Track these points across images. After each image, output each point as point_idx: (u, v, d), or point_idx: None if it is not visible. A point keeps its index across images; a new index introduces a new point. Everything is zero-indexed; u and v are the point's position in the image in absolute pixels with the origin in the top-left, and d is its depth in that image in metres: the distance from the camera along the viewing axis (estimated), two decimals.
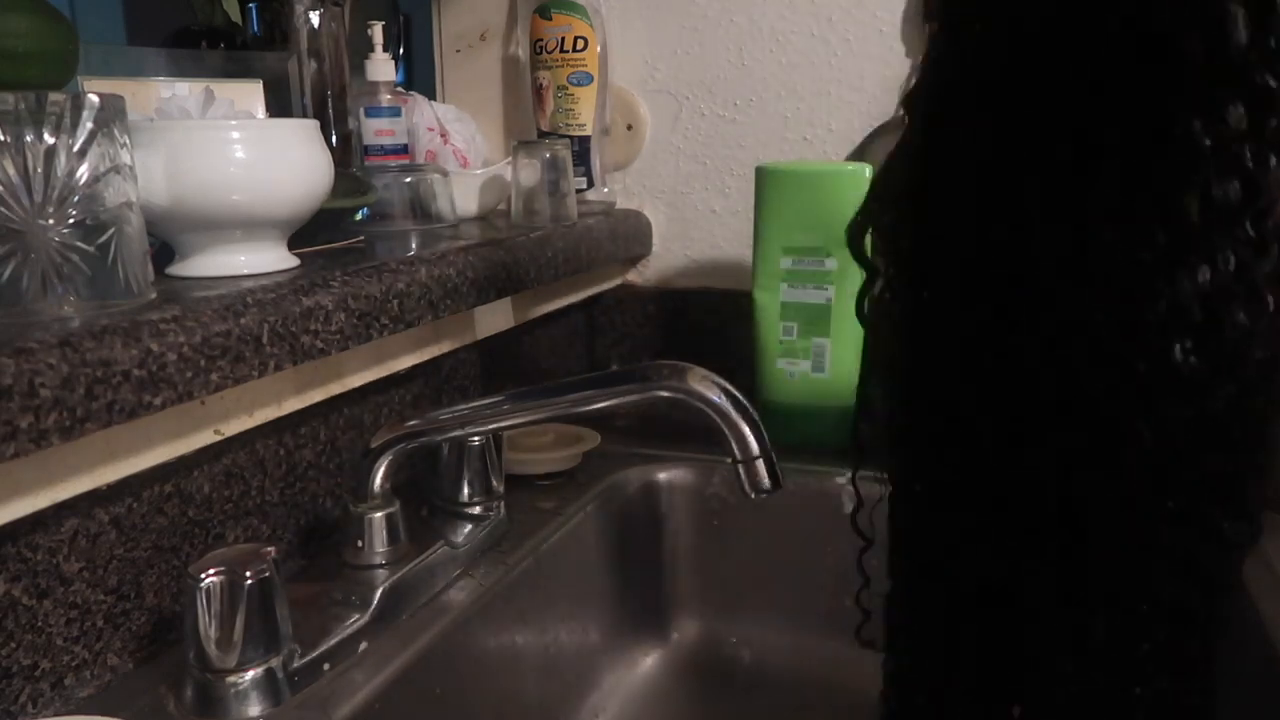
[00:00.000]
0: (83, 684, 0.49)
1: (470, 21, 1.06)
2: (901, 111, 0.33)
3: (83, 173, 0.44)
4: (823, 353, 0.81)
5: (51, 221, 0.43)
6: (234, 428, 0.56)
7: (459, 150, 0.95)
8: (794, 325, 0.82)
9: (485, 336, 0.80)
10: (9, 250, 0.43)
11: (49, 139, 0.43)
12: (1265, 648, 0.56)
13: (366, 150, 0.84)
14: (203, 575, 0.46)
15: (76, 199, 0.44)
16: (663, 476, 0.82)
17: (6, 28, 0.56)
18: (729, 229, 0.99)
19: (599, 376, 0.59)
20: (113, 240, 0.46)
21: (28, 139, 0.43)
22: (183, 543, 0.55)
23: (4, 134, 0.42)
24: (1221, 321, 0.28)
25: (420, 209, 0.82)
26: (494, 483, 0.68)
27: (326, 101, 0.74)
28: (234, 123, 0.55)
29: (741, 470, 0.52)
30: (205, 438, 0.54)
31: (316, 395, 0.62)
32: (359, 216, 0.80)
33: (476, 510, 0.67)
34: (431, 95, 1.03)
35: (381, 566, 0.59)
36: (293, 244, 0.62)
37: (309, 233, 0.64)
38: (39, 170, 0.43)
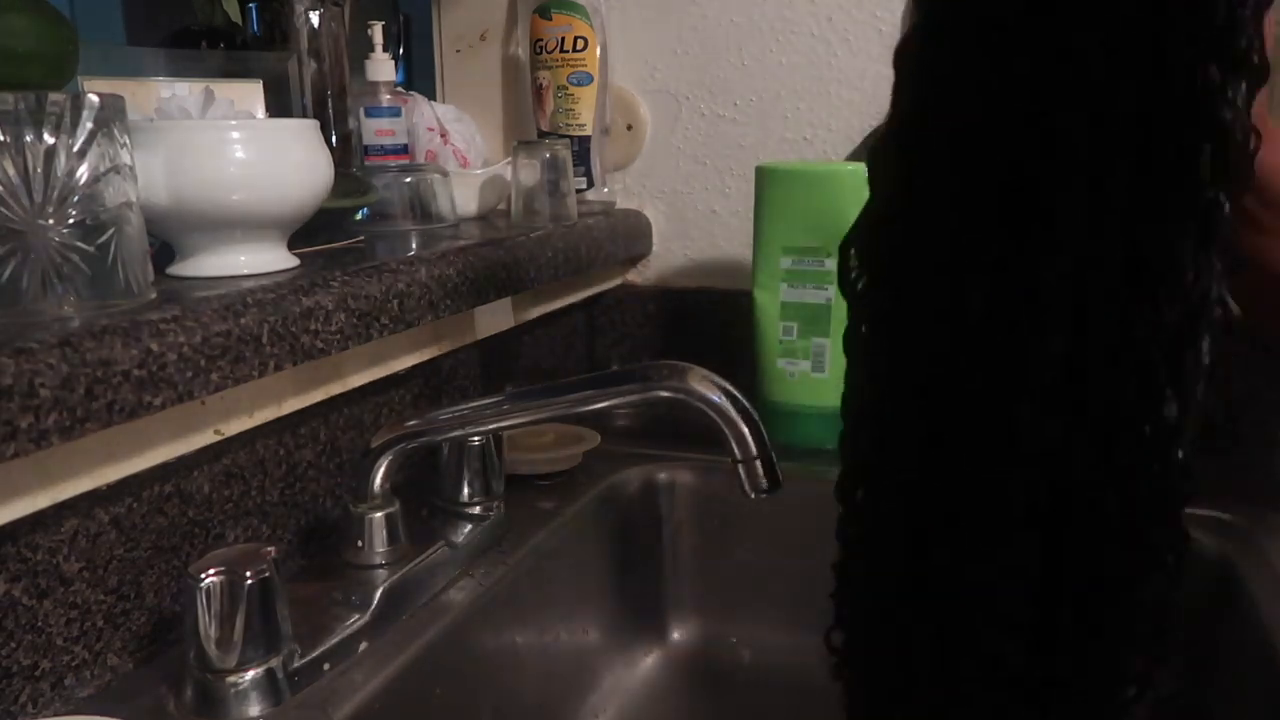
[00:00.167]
0: (83, 684, 0.49)
1: (470, 21, 1.06)
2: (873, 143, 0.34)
3: (83, 173, 0.44)
4: (823, 353, 0.81)
5: (51, 221, 0.43)
6: (234, 428, 0.56)
7: (459, 150, 0.95)
8: (794, 325, 0.82)
9: (485, 336, 0.80)
10: (9, 250, 0.43)
11: (49, 139, 0.43)
12: (1265, 648, 0.56)
13: (366, 150, 0.84)
14: (203, 575, 0.46)
15: (76, 199, 0.44)
16: (663, 476, 0.82)
17: (6, 28, 0.56)
18: (729, 229, 0.99)
19: (599, 376, 0.59)
20: (113, 240, 0.46)
21: (28, 139, 0.43)
22: (183, 543, 0.55)
23: (4, 134, 0.42)
24: (1184, 354, 0.29)
25: (420, 209, 0.82)
26: (494, 483, 0.68)
27: (326, 101, 0.74)
28: (234, 123, 0.55)
29: (741, 470, 0.52)
30: (205, 438, 0.54)
31: (316, 395, 0.62)
32: (359, 216, 0.80)
33: (476, 510, 0.67)
34: (431, 95, 1.03)
35: (381, 566, 0.59)
36: (293, 244, 0.62)
37: (309, 233, 0.64)
38: (39, 170, 0.43)
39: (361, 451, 0.60)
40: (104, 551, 0.50)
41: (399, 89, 0.89)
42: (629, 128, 1.00)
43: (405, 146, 0.86)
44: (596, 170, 0.98)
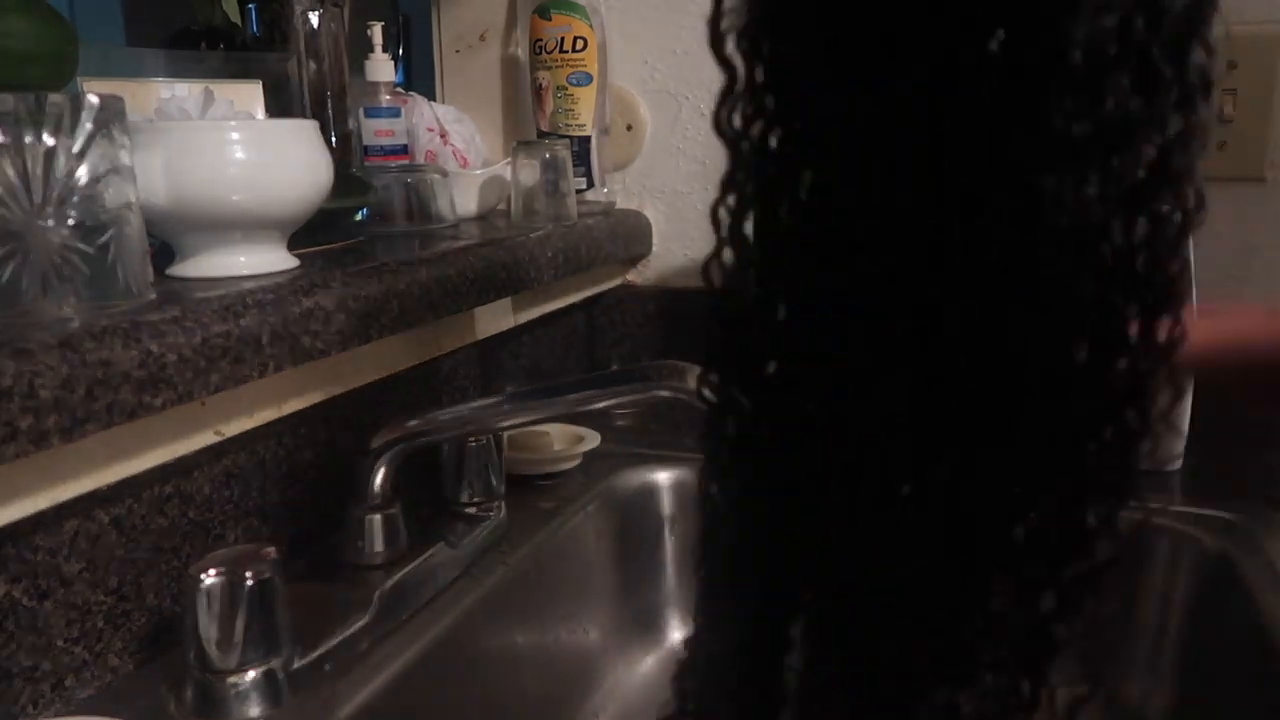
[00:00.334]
0: (83, 685, 0.49)
1: (470, 21, 1.06)
2: None
3: (82, 174, 0.44)
4: None
5: (51, 222, 0.43)
6: (234, 428, 0.56)
7: (459, 150, 0.95)
8: None
9: (485, 336, 0.80)
10: (9, 251, 0.43)
11: (49, 140, 0.43)
12: (1265, 646, 0.56)
13: (366, 150, 0.84)
14: (203, 576, 0.46)
15: (76, 200, 0.44)
16: (663, 476, 0.82)
17: (6, 28, 0.56)
18: None
19: (599, 376, 0.59)
20: (112, 241, 0.46)
21: (27, 140, 0.43)
22: (183, 543, 0.55)
23: (4, 135, 0.42)
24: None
25: (420, 209, 0.82)
26: (494, 483, 0.68)
27: (326, 101, 0.74)
28: (234, 123, 0.55)
29: None
30: (205, 438, 0.54)
31: (316, 395, 0.62)
32: (359, 216, 0.80)
33: (476, 510, 0.67)
34: (431, 95, 1.03)
35: (381, 567, 0.59)
36: (293, 244, 0.62)
37: (309, 233, 0.64)
38: (39, 171, 0.43)
39: (361, 451, 0.60)
40: (104, 552, 0.50)
41: (399, 89, 0.88)
42: (629, 128, 1.00)
43: (405, 147, 0.86)
44: (596, 170, 0.98)
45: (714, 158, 1.08)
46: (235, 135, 0.54)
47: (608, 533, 0.78)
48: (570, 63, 0.95)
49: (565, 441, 0.80)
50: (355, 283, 0.58)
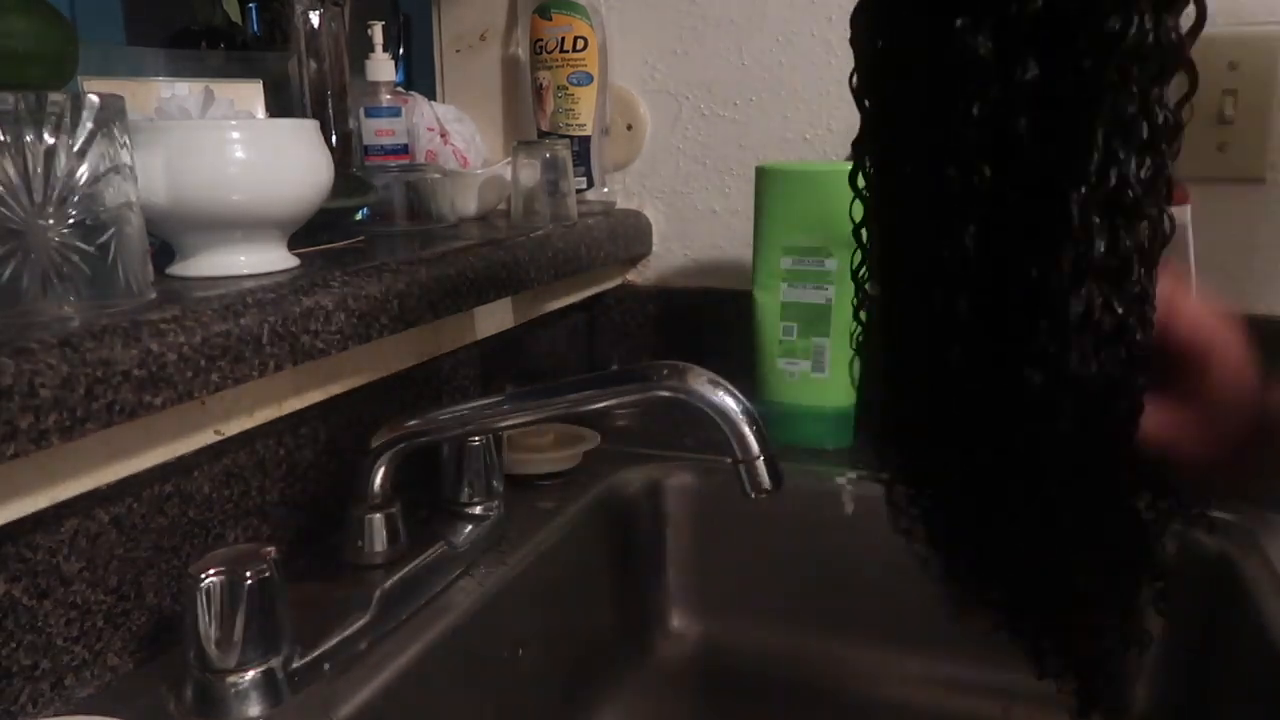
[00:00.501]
0: (83, 684, 0.49)
1: (470, 21, 1.06)
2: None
3: (83, 173, 0.44)
4: (823, 353, 0.81)
5: (51, 221, 0.43)
6: (234, 428, 0.56)
7: (459, 150, 0.95)
8: (794, 325, 0.82)
9: (485, 336, 0.80)
10: (9, 250, 0.43)
11: (49, 139, 0.43)
12: (1265, 647, 0.56)
13: (366, 150, 0.84)
14: (203, 575, 0.46)
15: (76, 199, 0.44)
16: (663, 476, 0.82)
17: (6, 28, 0.56)
18: (729, 229, 0.99)
19: (599, 376, 0.59)
20: (113, 240, 0.46)
21: (28, 139, 0.43)
22: (183, 543, 0.55)
23: (4, 134, 0.42)
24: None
25: (420, 209, 0.82)
26: (494, 483, 0.67)
27: (326, 101, 0.74)
28: (234, 123, 0.55)
29: (742, 470, 0.52)
30: (205, 438, 0.54)
31: (316, 395, 0.62)
32: (359, 216, 0.80)
33: (476, 510, 0.67)
34: (431, 95, 1.03)
35: (381, 566, 0.59)
36: (293, 244, 0.62)
37: (309, 233, 0.64)
38: (39, 170, 0.43)
39: (361, 451, 0.60)
40: (104, 551, 0.50)
41: (399, 89, 0.88)
42: (629, 128, 1.00)
43: (405, 146, 0.86)
44: (596, 170, 0.98)
45: (714, 158, 1.08)
46: (235, 135, 0.54)
47: (608, 533, 0.78)
48: (570, 62, 0.95)
49: (565, 441, 0.80)
50: (355, 282, 0.58)
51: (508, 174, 0.89)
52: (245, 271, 0.57)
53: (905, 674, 0.76)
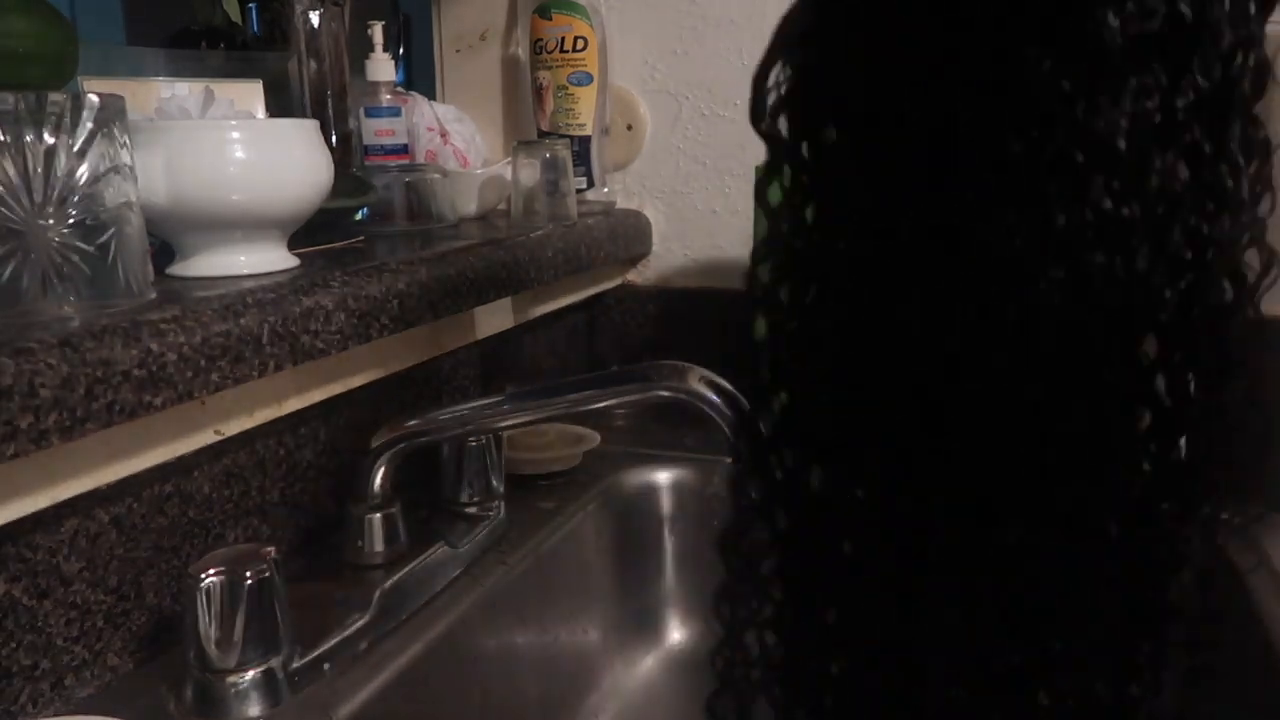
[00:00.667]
0: (83, 684, 0.49)
1: (470, 21, 1.06)
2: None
3: (83, 173, 0.44)
4: None
5: (51, 221, 0.43)
6: (234, 428, 0.56)
7: (459, 150, 0.95)
8: None
9: (485, 336, 0.80)
10: (9, 250, 0.43)
11: (49, 139, 0.43)
12: (1265, 648, 0.56)
13: (366, 150, 0.84)
14: (203, 575, 0.46)
15: (76, 199, 0.44)
16: (663, 476, 0.82)
17: (6, 28, 0.56)
18: (729, 229, 0.99)
19: (599, 376, 0.59)
20: (113, 240, 0.46)
21: (28, 139, 0.43)
22: (183, 543, 0.55)
23: (4, 134, 0.42)
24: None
25: (420, 209, 0.82)
26: (494, 483, 0.67)
27: (326, 101, 0.74)
28: (234, 123, 0.56)
29: None
30: (205, 438, 0.54)
31: (316, 395, 0.62)
32: (359, 216, 0.80)
33: (476, 510, 0.67)
34: (431, 95, 1.03)
35: (381, 566, 0.59)
36: (293, 244, 0.62)
37: (309, 233, 0.64)
38: (39, 170, 0.43)
39: (361, 451, 0.60)
40: (104, 551, 0.50)
41: (399, 89, 0.88)
42: (629, 128, 1.00)
43: (405, 146, 0.86)
44: (596, 170, 0.98)
45: (714, 157, 1.08)
46: (235, 135, 0.54)
47: (608, 533, 0.77)
48: (570, 62, 0.95)
49: (565, 441, 0.80)
50: (355, 282, 0.58)
51: (508, 174, 0.89)
52: (245, 271, 0.57)
53: None
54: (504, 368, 0.86)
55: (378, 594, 0.56)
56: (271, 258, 0.59)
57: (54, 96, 0.43)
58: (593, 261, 0.88)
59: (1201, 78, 0.25)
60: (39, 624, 0.47)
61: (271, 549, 0.49)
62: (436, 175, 0.83)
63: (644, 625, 0.81)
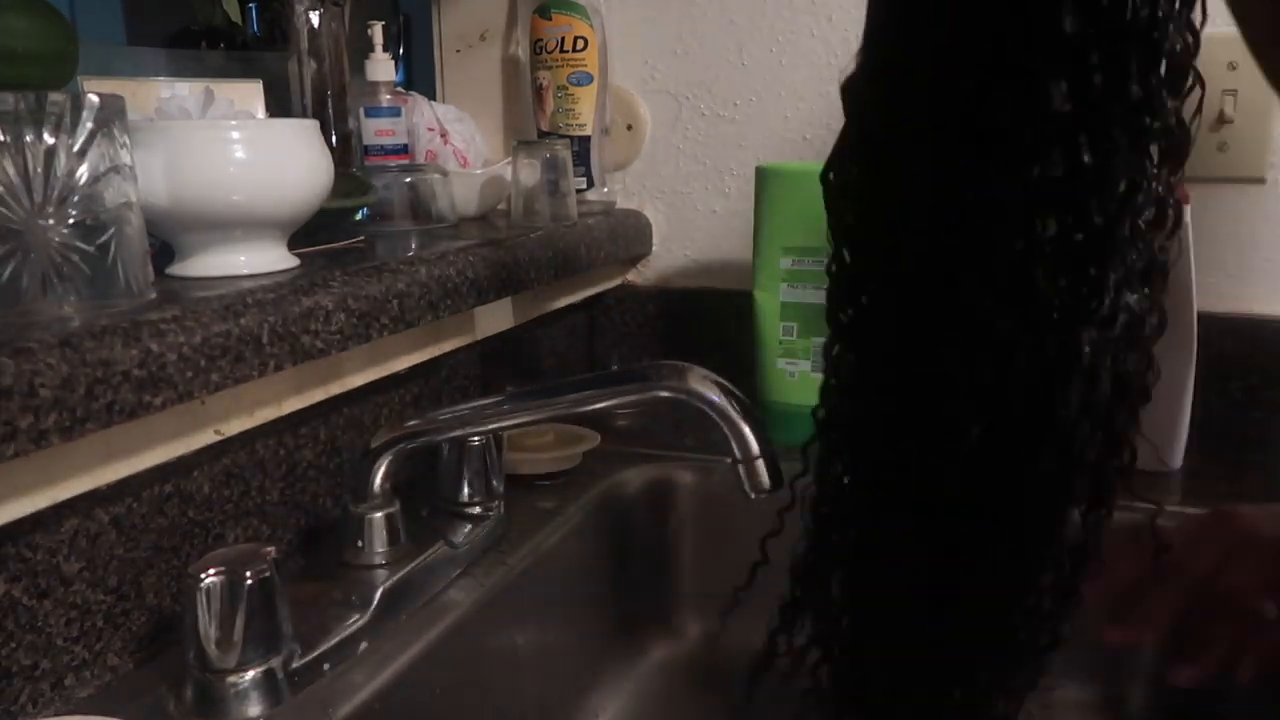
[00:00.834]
0: (83, 684, 0.49)
1: (470, 21, 1.06)
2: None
3: (83, 173, 0.44)
4: None
5: (51, 221, 0.43)
6: (234, 428, 0.56)
7: (459, 150, 0.95)
8: (794, 325, 0.82)
9: (485, 336, 0.80)
10: (9, 250, 0.43)
11: (49, 139, 0.43)
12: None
13: (366, 150, 0.84)
14: (203, 575, 0.46)
15: (76, 199, 0.44)
16: (663, 476, 0.82)
17: (6, 28, 0.56)
18: (729, 229, 0.99)
19: (599, 376, 0.59)
20: (113, 240, 0.46)
21: (28, 139, 0.43)
22: (183, 543, 0.55)
23: (4, 134, 0.42)
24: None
25: (420, 209, 0.82)
26: (494, 483, 0.67)
27: (326, 101, 0.74)
28: (234, 123, 0.56)
29: (742, 470, 0.52)
30: (205, 438, 0.54)
31: (316, 395, 0.62)
32: (359, 216, 0.80)
33: (476, 510, 0.67)
34: (431, 95, 1.03)
35: (381, 566, 0.59)
36: (293, 244, 0.62)
37: (309, 233, 0.64)
38: (39, 170, 0.43)
39: (361, 451, 0.60)
40: (104, 551, 0.50)
41: (399, 89, 0.89)
42: (629, 128, 1.00)
43: (405, 146, 0.86)
44: (596, 170, 0.98)
45: (714, 158, 1.08)
46: (235, 135, 0.54)
47: (608, 532, 0.77)
48: (570, 62, 0.95)
49: (565, 441, 0.80)
50: (355, 282, 0.58)
51: (508, 174, 0.89)
52: (245, 271, 0.57)
53: None
54: (504, 368, 0.86)
55: (378, 594, 0.56)
56: (271, 258, 0.59)
57: (54, 96, 0.43)
58: (593, 261, 0.88)
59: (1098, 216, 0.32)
60: (39, 624, 0.47)
61: (271, 549, 0.49)
62: (436, 175, 0.83)
63: (644, 625, 0.81)
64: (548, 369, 0.95)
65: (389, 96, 0.85)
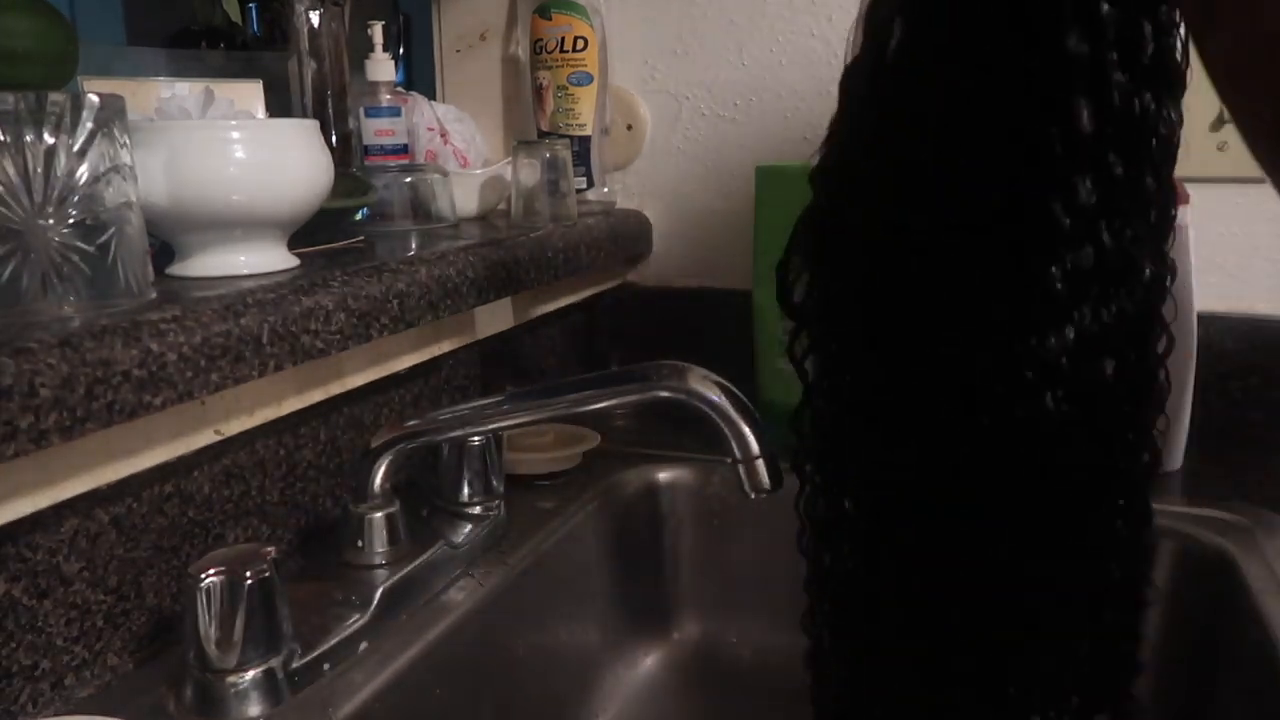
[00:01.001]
0: (83, 684, 0.49)
1: (470, 21, 1.06)
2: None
3: (83, 173, 0.44)
4: None
5: (51, 221, 0.43)
6: (234, 428, 0.56)
7: (459, 150, 0.95)
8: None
9: (485, 336, 0.80)
10: (9, 250, 0.43)
11: (49, 139, 0.43)
12: (1265, 648, 0.56)
13: (366, 150, 0.84)
14: (203, 575, 0.46)
15: (76, 199, 0.44)
16: (663, 476, 0.82)
17: (6, 28, 0.56)
18: (729, 229, 0.99)
19: (599, 376, 0.59)
20: (113, 240, 0.46)
21: (28, 139, 0.43)
22: (183, 543, 0.55)
23: (4, 134, 0.42)
24: (1087, 375, 0.34)
25: (420, 209, 0.82)
26: (494, 483, 0.67)
27: (326, 101, 0.74)
28: (234, 123, 0.56)
29: (741, 470, 0.52)
30: (205, 438, 0.54)
31: (316, 395, 0.62)
32: (359, 216, 0.80)
33: (476, 510, 0.67)
34: (431, 95, 1.03)
35: (381, 566, 0.59)
36: (293, 244, 0.62)
37: (309, 233, 0.64)
38: (39, 170, 0.43)
39: (361, 451, 0.60)
40: (104, 551, 0.50)
41: (399, 89, 0.88)
42: (629, 128, 1.00)
43: (405, 146, 0.86)
44: (596, 170, 0.98)
45: (714, 158, 1.08)
46: (235, 135, 0.54)
47: (608, 533, 0.77)
48: (571, 62, 0.95)
49: (565, 441, 0.80)
50: (355, 282, 0.58)
51: (508, 174, 0.89)
52: (245, 271, 0.57)
53: None
54: (504, 368, 0.86)
55: (378, 594, 0.56)
56: (271, 258, 0.59)
57: (54, 96, 0.43)
58: (593, 261, 0.88)
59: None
60: (39, 624, 0.47)
61: (271, 549, 0.49)
62: (436, 175, 0.83)
63: (644, 625, 0.81)
64: (548, 369, 0.95)
65: (389, 96, 0.85)
